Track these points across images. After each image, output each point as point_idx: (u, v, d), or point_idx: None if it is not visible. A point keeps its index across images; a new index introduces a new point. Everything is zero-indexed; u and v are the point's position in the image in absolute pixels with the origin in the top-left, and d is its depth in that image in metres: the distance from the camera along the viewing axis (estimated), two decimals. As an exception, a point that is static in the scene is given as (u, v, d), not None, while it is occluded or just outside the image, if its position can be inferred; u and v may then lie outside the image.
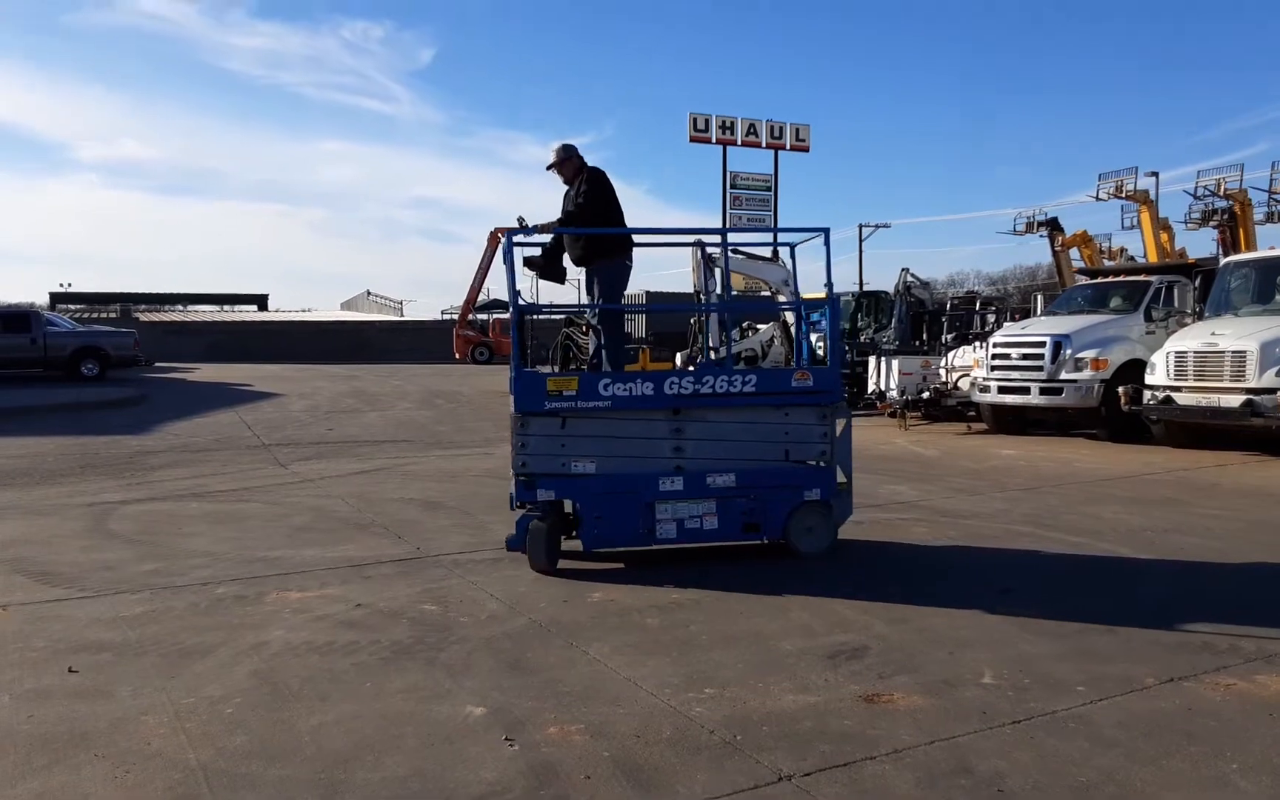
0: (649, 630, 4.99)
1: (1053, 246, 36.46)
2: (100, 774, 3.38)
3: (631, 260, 7.51)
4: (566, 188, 7.42)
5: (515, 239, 6.82)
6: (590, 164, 7.45)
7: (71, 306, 52.62)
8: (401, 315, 54.30)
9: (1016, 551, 6.77)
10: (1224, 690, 4.05)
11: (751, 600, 5.52)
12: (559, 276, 7.80)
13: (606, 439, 6.30)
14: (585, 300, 7.78)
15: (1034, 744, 3.53)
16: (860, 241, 53.73)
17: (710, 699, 4.01)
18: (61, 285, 65.04)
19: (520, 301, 6.57)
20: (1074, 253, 36.26)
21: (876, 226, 54.88)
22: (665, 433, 6.36)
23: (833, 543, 6.61)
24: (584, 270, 7.61)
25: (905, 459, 12.19)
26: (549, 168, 7.39)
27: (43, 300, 57.03)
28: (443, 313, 50.45)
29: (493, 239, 37.34)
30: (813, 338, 21.30)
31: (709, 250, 19.95)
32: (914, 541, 7.12)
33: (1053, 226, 36.48)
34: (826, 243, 6.87)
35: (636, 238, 7.68)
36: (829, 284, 6.96)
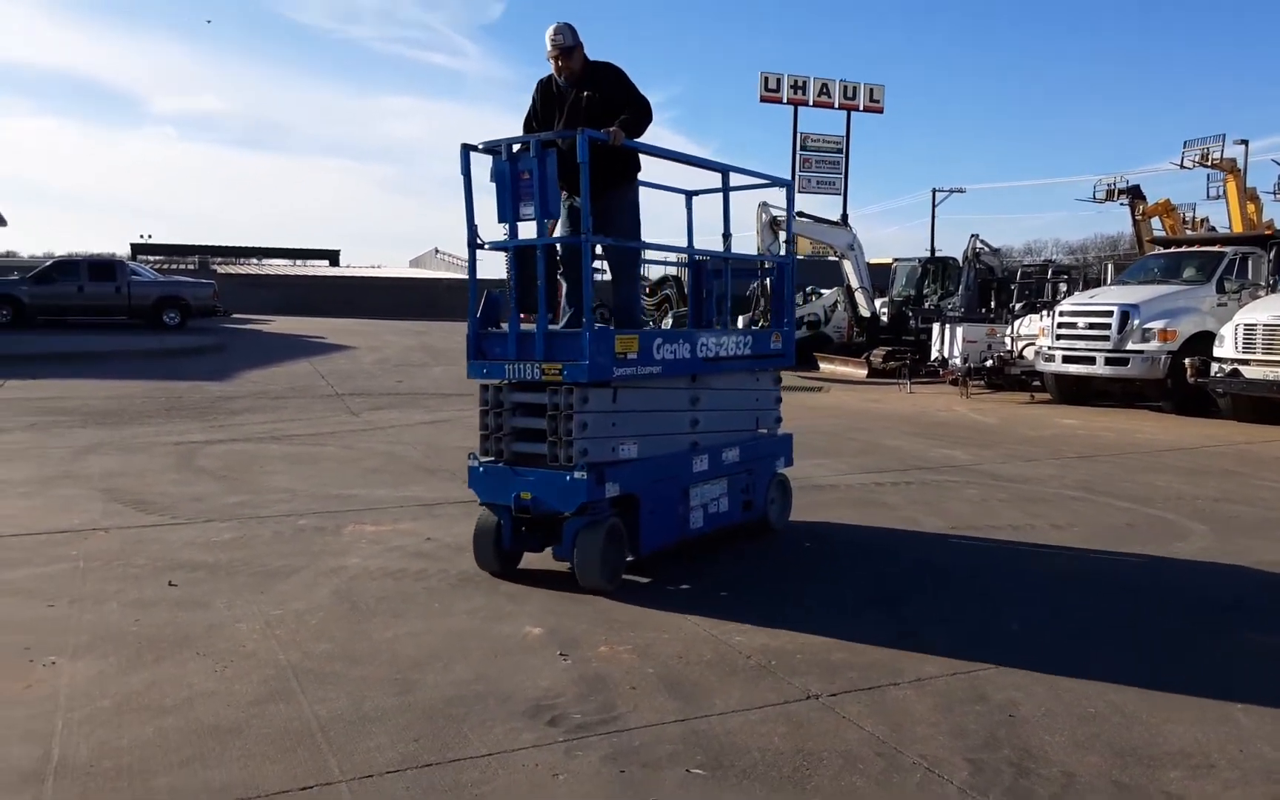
0: (693, 574, 5.29)
1: (1133, 215, 35.60)
2: (202, 669, 3.81)
3: None
4: (558, 86, 5.57)
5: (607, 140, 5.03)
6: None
7: (151, 257, 54.25)
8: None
9: (1062, 513, 6.90)
10: (1242, 641, 4.22)
11: (792, 557, 5.79)
12: None
13: (645, 414, 5.23)
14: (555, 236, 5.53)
15: (1049, 679, 3.76)
16: (933, 206, 52.76)
17: (748, 631, 4.31)
18: (142, 236, 67.05)
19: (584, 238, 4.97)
20: (1155, 222, 35.37)
21: (950, 191, 53.77)
22: (686, 404, 5.54)
23: (789, 512, 6.35)
24: (570, 199, 5.44)
25: (963, 426, 12.27)
26: (554, 56, 5.45)
27: (124, 250, 58.96)
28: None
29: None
30: (864, 300, 21.10)
31: (774, 214, 20.00)
32: (961, 502, 7.30)
33: (1134, 194, 35.61)
34: (789, 196, 6.53)
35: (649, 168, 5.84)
36: (789, 240, 6.57)
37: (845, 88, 44.75)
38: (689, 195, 6.14)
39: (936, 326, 17.57)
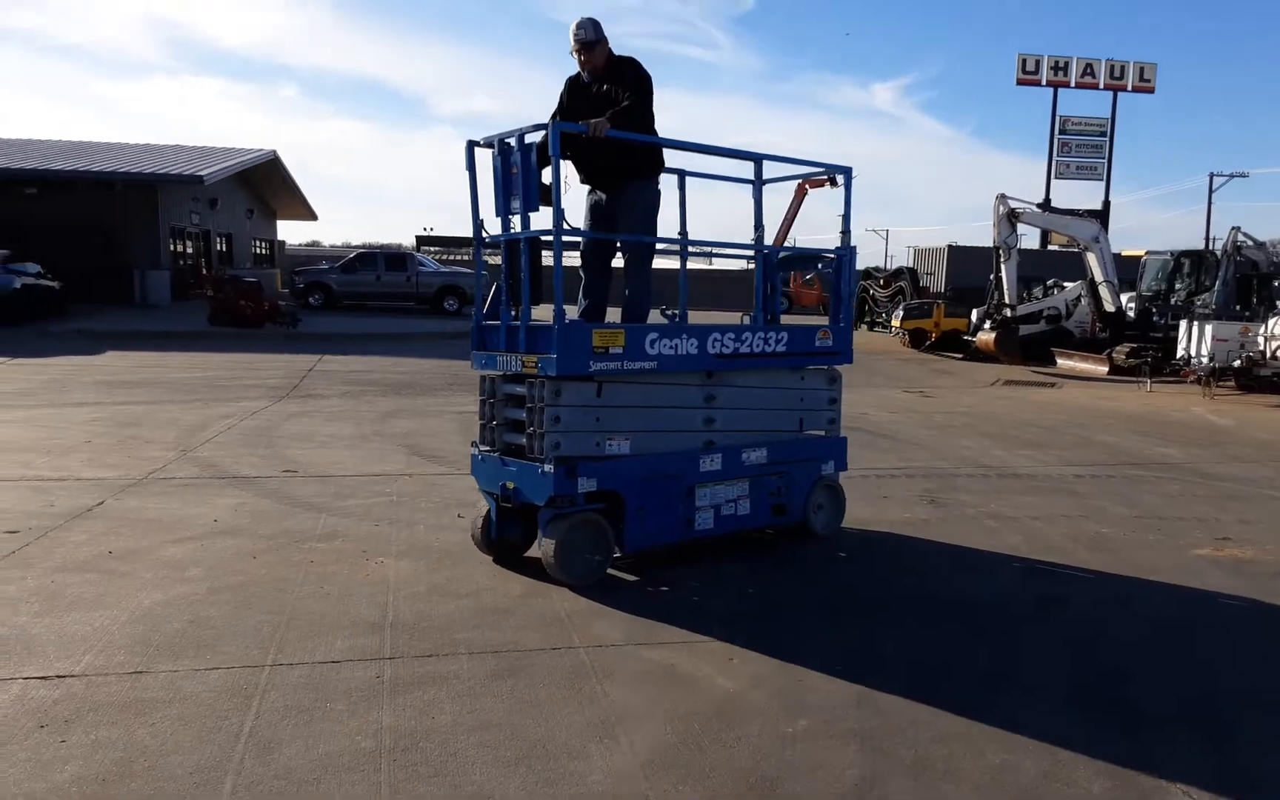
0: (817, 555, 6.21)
1: None
2: (485, 573, 5.20)
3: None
4: (584, 81, 5.60)
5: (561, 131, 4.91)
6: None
7: (432, 248, 59.50)
8: (710, 263, 56.38)
9: (1255, 510, 7.14)
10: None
11: (951, 544, 6.54)
12: (545, 197, 5.14)
13: (642, 410, 5.16)
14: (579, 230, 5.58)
15: (1167, 650, 4.44)
16: (1209, 192, 48.79)
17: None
18: (425, 229, 73.75)
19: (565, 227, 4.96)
20: None
21: (1230, 176, 49.55)
22: (699, 401, 5.42)
23: (841, 519, 6.14)
24: (593, 195, 5.75)
25: (1193, 426, 12.11)
26: (576, 51, 5.48)
27: (410, 242, 65.05)
28: (748, 263, 51.89)
29: (800, 190, 38.17)
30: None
31: (1012, 205, 19.85)
32: (1156, 496, 7.63)
33: None
34: (847, 184, 6.05)
35: (679, 155, 5.75)
36: (845, 231, 6.12)
37: (1111, 67, 42.41)
38: (758, 185, 5.82)
39: (1184, 323, 16.87)
